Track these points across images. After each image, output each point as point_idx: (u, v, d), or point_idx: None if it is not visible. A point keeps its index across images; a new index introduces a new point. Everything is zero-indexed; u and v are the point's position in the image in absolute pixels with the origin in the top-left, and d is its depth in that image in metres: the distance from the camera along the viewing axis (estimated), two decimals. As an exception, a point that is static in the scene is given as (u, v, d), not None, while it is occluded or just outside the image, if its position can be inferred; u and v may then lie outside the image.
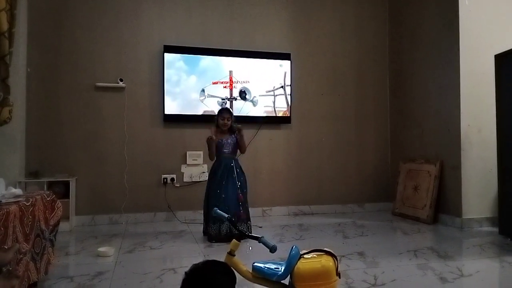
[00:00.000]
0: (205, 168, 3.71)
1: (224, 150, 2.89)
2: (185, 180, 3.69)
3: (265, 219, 3.66)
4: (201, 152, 3.72)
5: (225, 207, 2.73)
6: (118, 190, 3.55)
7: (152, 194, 3.62)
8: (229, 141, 2.90)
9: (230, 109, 3.05)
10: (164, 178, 3.64)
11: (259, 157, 3.78)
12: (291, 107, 3.87)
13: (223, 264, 1.29)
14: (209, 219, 2.79)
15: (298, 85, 3.98)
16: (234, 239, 1.48)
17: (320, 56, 4.05)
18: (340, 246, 2.69)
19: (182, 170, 3.68)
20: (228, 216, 1.53)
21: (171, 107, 3.61)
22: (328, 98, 4.10)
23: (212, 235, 2.77)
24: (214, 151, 2.87)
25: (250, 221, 2.89)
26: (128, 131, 3.59)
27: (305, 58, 4.00)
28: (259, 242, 1.43)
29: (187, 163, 3.69)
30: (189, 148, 3.72)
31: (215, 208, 1.59)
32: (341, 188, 4.10)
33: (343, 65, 4.13)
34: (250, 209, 3.61)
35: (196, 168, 3.70)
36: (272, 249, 1.36)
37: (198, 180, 3.69)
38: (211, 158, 2.91)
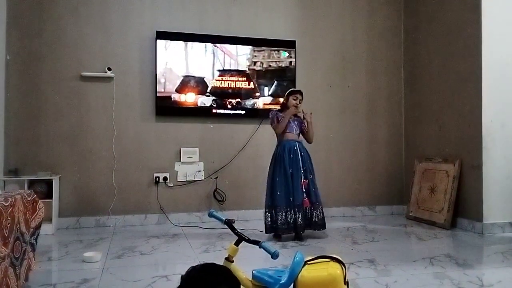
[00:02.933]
0: (201, 166, 3.73)
1: (288, 132, 2.94)
2: (179, 179, 3.69)
3: (266, 223, 3.66)
4: (197, 149, 3.72)
5: (288, 196, 2.80)
6: (106, 190, 3.54)
7: (143, 194, 3.62)
8: (295, 123, 2.99)
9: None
10: (156, 177, 3.64)
11: (260, 155, 3.75)
12: None
13: (223, 268, 1.26)
14: (276, 211, 2.79)
15: (304, 75, 3.95)
16: (232, 244, 1.48)
17: (328, 44, 4.04)
18: (349, 252, 2.69)
19: (175, 169, 3.68)
20: (225, 219, 1.54)
21: (164, 99, 3.58)
22: (337, 90, 4.08)
23: (278, 227, 2.78)
24: (285, 123, 2.92)
25: (319, 209, 2.88)
26: (117, 125, 3.58)
27: (311, 45, 3.98)
28: (260, 248, 1.43)
29: (181, 160, 3.68)
30: (183, 144, 3.70)
31: (212, 210, 1.61)
32: (350, 189, 4.09)
33: (353, 54, 4.11)
34: (251, 211, 3.70)
35: (191, 167, 3.69)
36: (274, 255, 1.36)
37: (193, 179, 3.71)
38: (278, 131, 2.95)
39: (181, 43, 3.61)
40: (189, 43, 3.63)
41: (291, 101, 2.97)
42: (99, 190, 3.54)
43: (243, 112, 3.77)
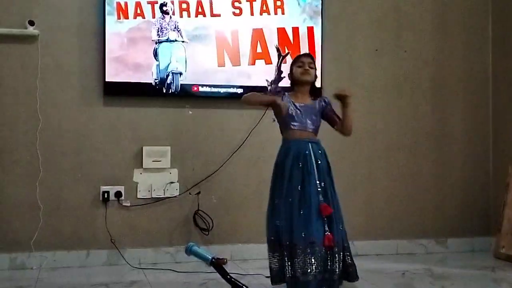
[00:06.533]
0: (175, 175, 3.48)
1: (293, 125, 2.75)
2: (140, 195, 3.44)
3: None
4: (168, 148, 3.46)
5: (298, 229, 2.66)
6: (26, 212, 3.28)
7: (83, 219, 3.37)
8: (308, 109, 2.78)
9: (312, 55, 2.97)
10: (104, 192, 3.37)
11: (265, 158, 3.44)
12: (322, 74, 3.57)
13: None
14: (281, 251, 2.73)
15: (335, 34, 3.70)
16: None
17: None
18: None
19: (135, 179, 3.44)
20: (212, 258, 1.62)
21: (117, 70, 3.34)
22: (386, 58, 3.80)
23: (276, 273, 2.75)
24: (262, 101, 2.83)
25: (346, 250, 2.78)
26: (43, 112, 3.28)
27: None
28: None
29: (144, 166, 3.43)
30: (147, 141, 3.46)
31: (191, 244, 1.69)
32: (407, 211, 3.83)
33: (411, 4, 3.84)
34: (252, 246, 3.59)
35: (159, 176, 3.47)
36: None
37: (163, 195, 3.43)
38: (248, 100, 2.87)
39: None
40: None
41: (297, 70, 2.81)
42: (15, 213, 3.27)
43: (239, 91, 3.48)
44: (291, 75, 2.86)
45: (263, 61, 3.59)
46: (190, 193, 3.49)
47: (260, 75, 3.54)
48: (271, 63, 3.55)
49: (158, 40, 3.46)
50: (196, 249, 1.62)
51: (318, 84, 3.44)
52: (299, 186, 2.69)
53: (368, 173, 3.76)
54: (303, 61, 2.81)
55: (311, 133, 2.81)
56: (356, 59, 3.76)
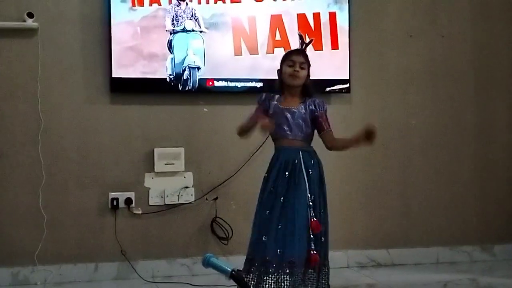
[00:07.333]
0: (190, 179, 3.48)
1: (281, 133, 2.74)
2: (152, 202, 3.43)
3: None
4: (181, 150, 3.45)
5: (282, 244, 2.64)
6: (28, 223, 3.28)
7: (91, 229, 3.38)
8: (297, 114, 2.74)
9: (306, 52, 2.90)
10: (113, 200, 3.38)
11: None
12: (350, 63, 3.53)
13: None
14: (253, 264, 2.71)
15: (365, 17, 3.67)
16: None
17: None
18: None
19: (146, 184, 3.44)
20: (232, 270, 1.57)
21: (125, 66, 3.32)
22: (422, 44, 3.75)
23: None
24: (249, 128, 2.82)
25: (326, 266, 2.77)
26: (45, 111, 3.29)
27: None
28: None
29: (156, 170, 3.42)
30: (158, 143, 3.45)
31: (208, 255, 1.60)
32: (448, 216, 3.81)
33: None
34: None
35: (173, 180, 3.47)
36: None
37: (177, 201, 3.43)
38: (240, 134, 2.94)
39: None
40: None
41: (286, 70, 2.75)
42: (16, 223, 3.28)
43: (259, 84, 3.46)
44: (280, 74, 2.80)
45: (282, 49, 3.48)
46: (206, 199, 3.46)
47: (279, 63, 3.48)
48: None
49: (173, 30, 3.41)
50: (214, 261, 1.54)
51: (345, 75, 3.58)
52: (282, 198, 2.62)
53: (402, 175, 3.73)
54: (293, 60, 2.72)
55: (300, 141, 2.72)
56: (388, 47, 3.71)
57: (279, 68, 2.79)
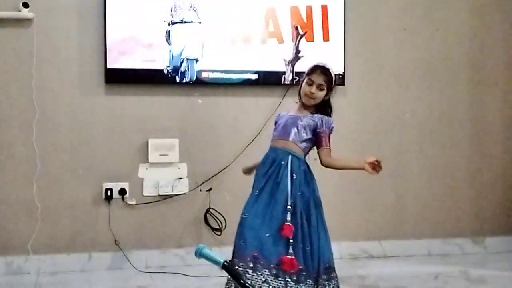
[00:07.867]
0: (184, 170, 3.50)
1: (276, 134, 2.78)
2: (146, 192, 3.45)
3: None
4: (176, 141, 3.46)
5: (256, 242, 2.61)
6: (22, 213, 3.30)
7: (84, 219, 3.39)
8: (296, 120, 2.75)
9: (331, 70, 2.83)
10: (107, 190, 3.40)
11: None
12: (345, 55, 3.57)
13: None
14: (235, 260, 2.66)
15: (359, 10, 3.65)
16: None
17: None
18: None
19: (140, 175, 3.46)
20: (225, 261, 1.53)
21: (120, 57, 3.33)
22: (417, 37, 3.75)
23: None
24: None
25: (332, 282, 2.74)
26: (39, 102, 3.30)
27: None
28: None
29: (150, 160, 3.44)
30: (153, 133, 3.46)
31: (201, 246, 1.56)
32: (440, 207, 3.80)
33: None
34: None
35: (167, 171, 3.48)
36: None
37: (171, 192, 3.44)
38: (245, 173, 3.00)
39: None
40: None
41: (304, 88, 2.71)
42: (10, 213, 3.28)
43: (254, 76, 3.48)
44: (299, 87, 2.78)
45: (275, 40, 3.58)
46: (200, 190, 3.48)
47: (273, 55, 3.58)
48: (283, 42, 3.58)
49: (171, 21, 3.41)
50: (206, 252, 1.54)
51: (340, 69, 3.54)
52: (266, 193, 2.65)
53: (397, 167, 3.72)
54: (313, 80, 2.68)
55: (293, 145, 2.70)
56: (382, 40, 3.71)
57: (302, 78, 2.78)
